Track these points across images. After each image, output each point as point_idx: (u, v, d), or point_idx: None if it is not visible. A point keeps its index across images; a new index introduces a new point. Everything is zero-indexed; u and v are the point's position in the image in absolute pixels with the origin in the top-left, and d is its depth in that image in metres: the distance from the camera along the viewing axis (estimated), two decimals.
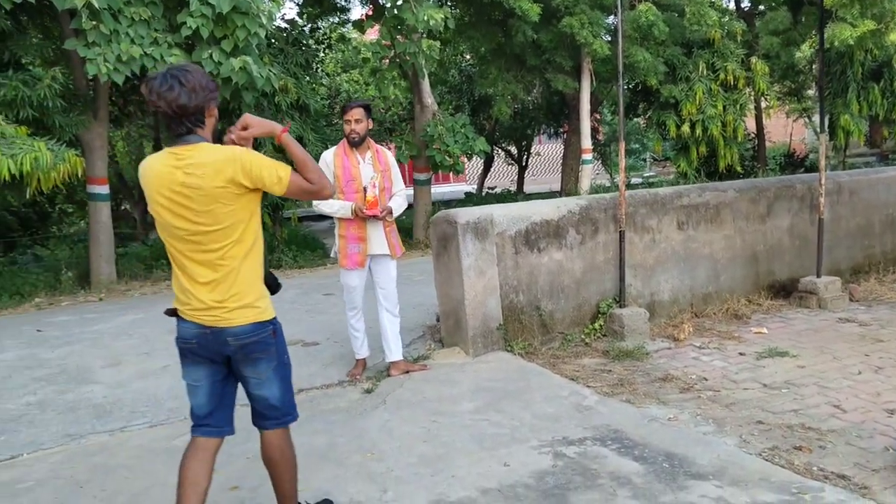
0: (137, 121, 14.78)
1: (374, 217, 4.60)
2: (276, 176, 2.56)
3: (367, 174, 4.62)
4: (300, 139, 11.60)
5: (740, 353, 5.22)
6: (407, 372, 4.90)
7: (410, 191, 5.06)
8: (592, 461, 3.46)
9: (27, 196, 9.05)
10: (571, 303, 5.65)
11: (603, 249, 5.78)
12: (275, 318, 2.73)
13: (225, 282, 2.57)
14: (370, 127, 4.62)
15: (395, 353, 4.92)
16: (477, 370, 4.90)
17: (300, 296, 8.47)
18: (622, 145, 5.84)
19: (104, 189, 10.97)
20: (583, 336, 5.64)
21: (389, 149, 15.41)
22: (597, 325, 5.70)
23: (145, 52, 8.75)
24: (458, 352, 5.22)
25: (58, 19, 9.75)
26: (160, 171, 2.52)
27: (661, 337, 5.71)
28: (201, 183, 2.48)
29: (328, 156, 4.70)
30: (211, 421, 2.78)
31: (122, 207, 22.62)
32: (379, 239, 4.71)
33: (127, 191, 20.54)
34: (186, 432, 4.09)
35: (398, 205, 4.76)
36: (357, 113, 4.60)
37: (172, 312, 2.69)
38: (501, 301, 5.28)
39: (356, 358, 5.05)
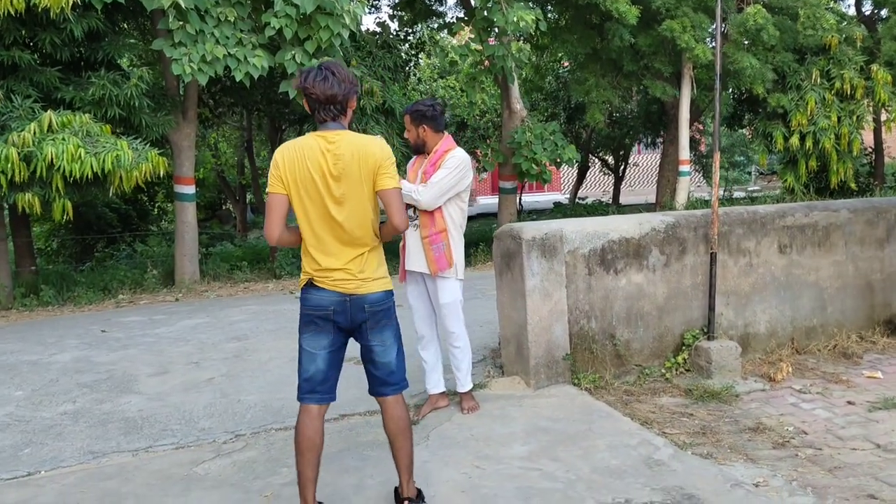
0: (228, 122, 14.95)
1: None
2: (389, 185, 2.88)
3: (420, 177, 4.18)
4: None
5: (849, 402, 4.46)
6: (467, 409, 4.32)
7: (470, 201, 4.38)
8: None
9: (109, 194, 9.13)
10: (651, 332, 5.03)
11: (690, 273, 5.13)
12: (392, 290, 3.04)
13: (364, 256, 2.91)
14: (422, 133, 4.14)
15: (464, 384, 4.37)
16: (536, 406, 4.36)
17: None
18: (717, 157, 5.18)
19: (190, 189, 11.06)
20: (663, 371, 5.01)
21: (476, 155, 15.05)
22: (680, 359, 5.05)
23: (229, 53, 8.69)
24: (518, 382, 4.70)
25: (152, 20, 9.86)
26: (311, 152, 2.81)
27: (754, 376, 5.00)
28: (348, 167, 2.80)
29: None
30: (324, 388, 2.99)
31: (224, 207, 23.26)
32: (416, 253, 4.14)
33: (229, 191, 21.07)
34: (211, 458, 3.82)
35: (407, 187, 3.99)
36: (405, 120, 4.23)
37: (310, 283, 2.95)
38: (570, 327, 4.73)
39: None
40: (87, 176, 7.90)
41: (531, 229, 4.61)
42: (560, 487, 3.32)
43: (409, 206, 4.06)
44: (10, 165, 7.47)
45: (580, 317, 4.79)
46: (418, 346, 4.36)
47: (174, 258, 11.15)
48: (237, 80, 8.79)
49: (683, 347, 5.09)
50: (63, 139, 7.77)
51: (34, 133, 7.71)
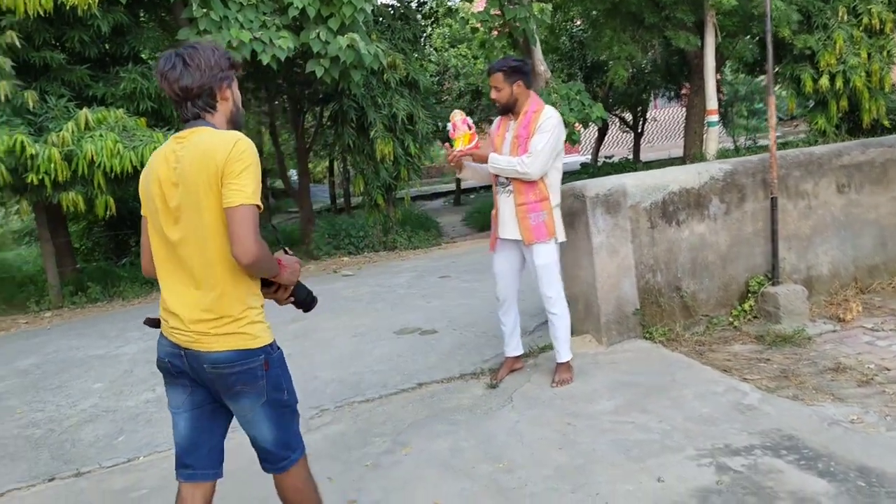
0: (253, 108, 14.95)
1: (462, 155, 4.00)
2: (233, 201, 2.05)
3: (509, 141, 4.05)
4: (410, 117, 11.32)
5: None
6: (558, 381, 4.13)
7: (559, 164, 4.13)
8: (766, 477, 2.90)
9: None
10: (717, 281, 5.02)
11: (751, 219, 5.09)
12: (271, 345, 2.25)
13: (211, 300, 2.15)
14: (517, 90, 3.94)
15: (561, 354, 4.18)
16: (613, 361, 4.38)
17: (415, 279, 8.18)
18: (771, 99, 5.11)
19: None
20: (730, 319, 5.00)
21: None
22: (746, 306, 5.04)
23: (254, 37, 8.66)
24: (589, 340, 4.71)
25: (173, 12, 9.84)
26: (157, 159, 2.22)
27: (822, 318, 4.98)
28: (185, 172, 2.12)
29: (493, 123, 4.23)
30: (195, 460, 2.31)
31: None
32: (509, 220, 4.04)
33: None
34: (303, 433, 3.87)
35: (504, 161, 3.93)
36: (495, 79, 3.99)
37: (154, 323, 2.31)
38: (637, 282, 4.73)
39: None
40: (127, 171, 7.95)
41: (594, 186, 4.59)
42: (657, 438, 3.34)
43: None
44: (52, 166, 7.53)
45: (645, 271, 4.78)
46: (499, 311, 4.35)
47: None
48: (264, 63, 8.77)
49: (749, 295, 5.07)
50: (101, 136, 7.81)
51: (72, 132, 7.75)
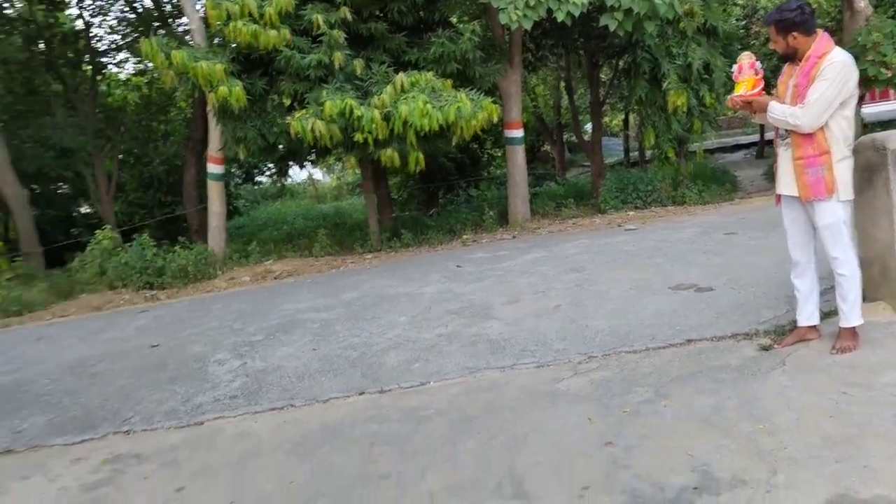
0: (550, 65, 15.34)
1: (742, 100, 3.85)
2: None
3: (790, 89, 3.79)
4: (706, 66, 10.80)
5: None
6: (839, 348, 3.86)
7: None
8: None
9: (452, 144, 10.05)
10: None
11: None
12: None
13: None
14: (793, 41, 3.68)
15: (848, 318, 3.86)
16: None
17: (698, 235, 7.97)
18: None
19: (519, 133, 11.70)
20: None
21: None
22: None
23: None
24: (884, 308, 4.28)
25: None
26: None
27: None
28: None
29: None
30: None
31: (542, 149, 24.09)
32: (785, 175, 3.84)
33: (547, 133, 21.77)
34: (569, 376, 4.17)
35: (779, 111, 3.70)
36: (770, 30, 3.81)
37: None
38: None
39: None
40: (434, 129, 8.80)
41: None
42: None
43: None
44: (374, 126, 8.63)
45: None
46: (791, 274, 4.08)
47: (507, 199, 11.96)
48: (559, 20, 8.99)
49: None
50: (413, 97, 8.73)
51: (390, 95, 8.77)
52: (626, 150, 19.96)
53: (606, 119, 19.45)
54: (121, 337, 6.80)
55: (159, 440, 4.10)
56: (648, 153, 13.19)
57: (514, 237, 10.13)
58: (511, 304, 5.96)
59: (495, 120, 9.66)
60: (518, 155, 11.64)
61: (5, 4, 15.06)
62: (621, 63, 12.48)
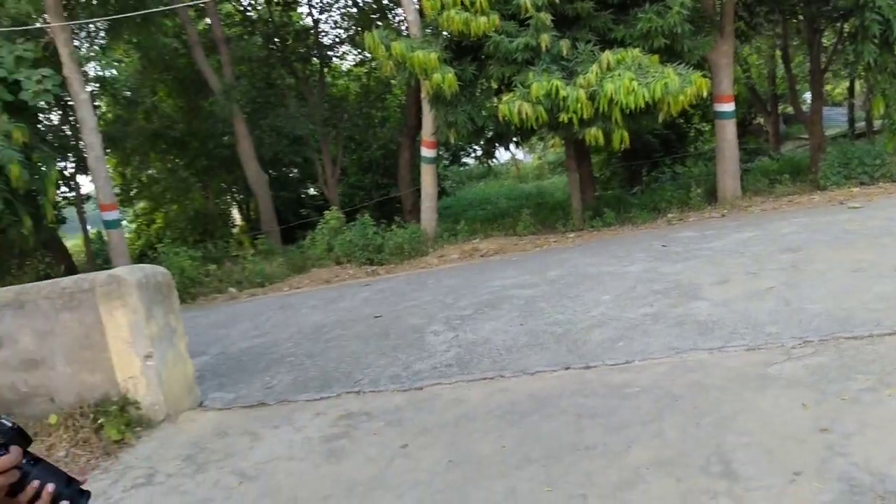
0: (764, 32, 14.40)
1: None
2: None
3: None
4: None
5: None
6: None
7: None
8: None
9: (659, 121, 9.85)
10: None
11: None
12: None
13: None
14: None
15: None
16: None
17: None
18: None
19: (730, 107, 11.19)
20: None
21: None
22: None
23: None
24: None
25: None
26: None
27: None
28: None
29: None
30: None
31: (755, 122, 22.59)
32: None
33: (760, 104, 20.40)
34: (782, 360, 4.08)
35: None
36: None
37: None
38: None
39: None
40: (639, 106, 8.70)
41: None
42: None
43: None
44: (579, 105, 8.72)
45: None
46: None
47: (715, 176, 11.49)
48: None
49: None
50: (618, 75, 8.69)
51: (596, 74, 8.80)
52: (851, 121, 18.23)
53: (828, 87, 17.84)
54: (348, 307, 7.55)
55: (385, 401, 4.59)
56: (877, 123, 12.00)
57: (722, 216, 9.76)
58: (720, 284, 5.85)
59: (704, 94, 9.33)
60: (728, 129, 11.14)
61: (249, 8, 16.95)
62: (846, 26, 11.43)
